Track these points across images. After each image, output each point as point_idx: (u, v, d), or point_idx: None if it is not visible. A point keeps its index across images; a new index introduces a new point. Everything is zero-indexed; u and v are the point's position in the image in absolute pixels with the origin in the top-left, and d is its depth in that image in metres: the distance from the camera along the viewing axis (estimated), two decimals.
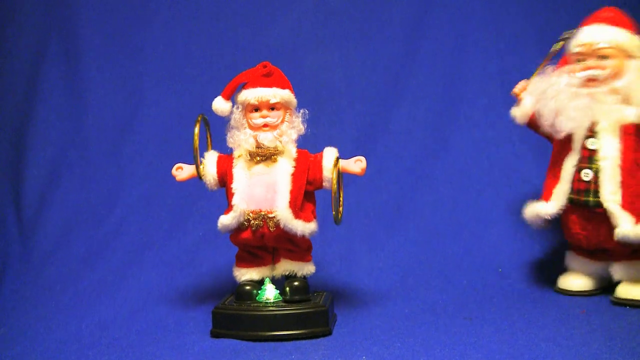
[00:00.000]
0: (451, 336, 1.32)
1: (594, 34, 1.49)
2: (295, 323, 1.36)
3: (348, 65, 2.20)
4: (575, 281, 1.62)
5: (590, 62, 1.49)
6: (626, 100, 1.47)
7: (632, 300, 1.48)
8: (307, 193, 1.46)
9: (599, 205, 1.47)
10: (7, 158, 2.19)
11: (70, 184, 2.15)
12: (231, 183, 1.43)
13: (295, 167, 1.43)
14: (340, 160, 1.43)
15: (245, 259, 1.49)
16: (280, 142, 1.43)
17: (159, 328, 1.46)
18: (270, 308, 1.39)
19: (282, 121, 1.44)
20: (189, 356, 1.28)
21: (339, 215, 1.41)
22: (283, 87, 1.44)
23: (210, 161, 1.48)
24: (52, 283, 1.83)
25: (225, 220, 1.43)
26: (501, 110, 1.84)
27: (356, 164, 1.45)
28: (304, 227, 1.41)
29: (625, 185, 1.46)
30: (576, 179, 1.51)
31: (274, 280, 1.47)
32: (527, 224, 1.61)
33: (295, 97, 1.48)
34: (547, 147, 1.65)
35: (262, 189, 1.42)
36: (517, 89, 1.63)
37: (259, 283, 1.47)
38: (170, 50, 2.23)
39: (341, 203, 1.42)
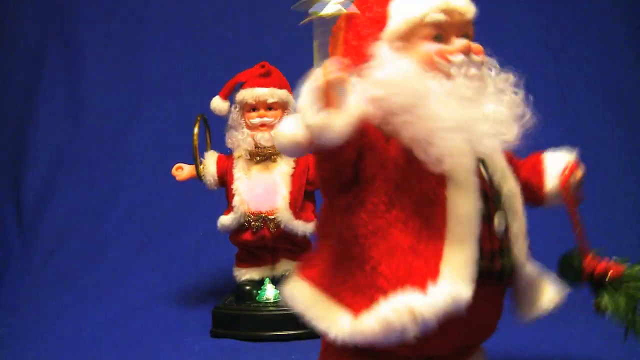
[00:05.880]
0: None
1: None
2: (295, 323, 1.35)
3: None
4: None
5: (462, 40, 0.85)
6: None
7: None
8: (307, 193, 1.46)
9: (510, 272, 0.85)
10: (7, 158, 2.19)
11: (70, 184, 2.15)
12: (231, 184, 1.43)
13: (294, 167, 1.43)
14: None
15: (245, 258, 1.49)
16: None
17: (159, 328, 1.46)
18: (270, 308, 1.39)
19: (280, 121, 1.44)
20: (189, 356, 1.28)
21: None
22: (281, 87, 1.44)
23: (210, 161, 1.48)
24: (52, 283, 1.83)
25: (225, 221, 1.43)
26: None
27: None
28: (304, 227, 1.41)
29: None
30: (486, 234, 0.81)
31: (274, 280, 1.47)
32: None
33: (294, 97, 1.48)
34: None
35: (262, 190, 1.42)
36: (329, 77, 0.73)
37: (259, 283, 1.46)
38: (170, 51, 2.23)
39: None
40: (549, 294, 0.88)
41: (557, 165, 0.94)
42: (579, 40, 2.09)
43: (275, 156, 1.43)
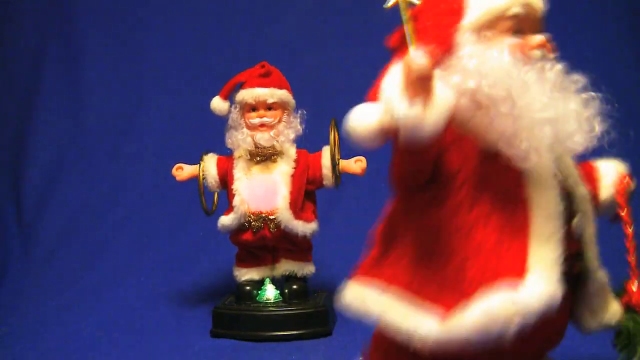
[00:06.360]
0: None
1: None
2: (295, 323, 1.36)
3: (348, 65, 2.19)
4: None
5: (540, 36, 0.83)
6: None
7: None
8: (307, 193, 1.46)
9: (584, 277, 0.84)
10: (7, 158, 2.19)
11: (70, 184, 2.15)
12: (232, 184, 1.43)
13: (295, 167, 1.43)
14: (340, 160, 1.43)
15: (245, 258, 1.49)
16: (277, 142, 1.43)
17: (159, 328, 1.46)
18: (270, 308, 1.39)
19: (279, 121, 1.44)
20: (189, 356, 1.28)
21: (338, 177, 1.44)
22: (280, 87, 1.44)
23: (210, 163, 1.48)
24: (52, 283, 1.83)
25: (226, 221, 1.43)
26: None
27: (356, 164, 1.45)
28: (304, 228, 1.41)
29: None
30: (565, 236, 0.77)
31: (274, 280, 1.47)
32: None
33: (295, 97, 1.48)
34: None
35: (262, 190, 1.42)
36: (421, 67, 0.68)
37: (259, 283, 1.46)
38: (170, 51, 2.23)
39: (339, 163, 1.43)
40: (614, 306, 0.85)
41: (611, 174, 0.94)
42: (579, 40, 2.09)
43: (275, 156, 1.43)
